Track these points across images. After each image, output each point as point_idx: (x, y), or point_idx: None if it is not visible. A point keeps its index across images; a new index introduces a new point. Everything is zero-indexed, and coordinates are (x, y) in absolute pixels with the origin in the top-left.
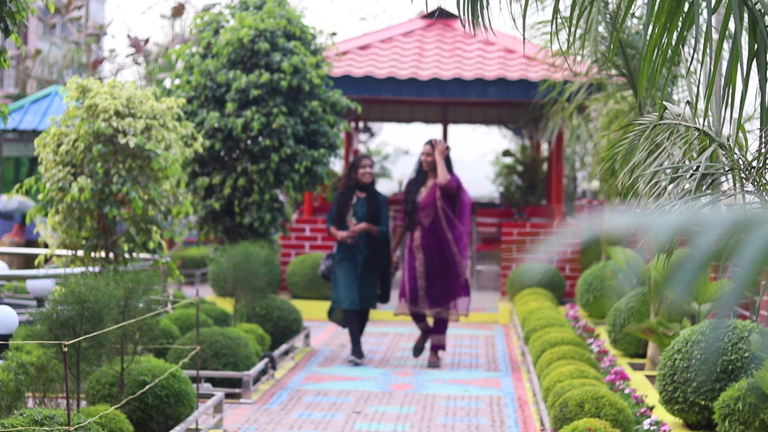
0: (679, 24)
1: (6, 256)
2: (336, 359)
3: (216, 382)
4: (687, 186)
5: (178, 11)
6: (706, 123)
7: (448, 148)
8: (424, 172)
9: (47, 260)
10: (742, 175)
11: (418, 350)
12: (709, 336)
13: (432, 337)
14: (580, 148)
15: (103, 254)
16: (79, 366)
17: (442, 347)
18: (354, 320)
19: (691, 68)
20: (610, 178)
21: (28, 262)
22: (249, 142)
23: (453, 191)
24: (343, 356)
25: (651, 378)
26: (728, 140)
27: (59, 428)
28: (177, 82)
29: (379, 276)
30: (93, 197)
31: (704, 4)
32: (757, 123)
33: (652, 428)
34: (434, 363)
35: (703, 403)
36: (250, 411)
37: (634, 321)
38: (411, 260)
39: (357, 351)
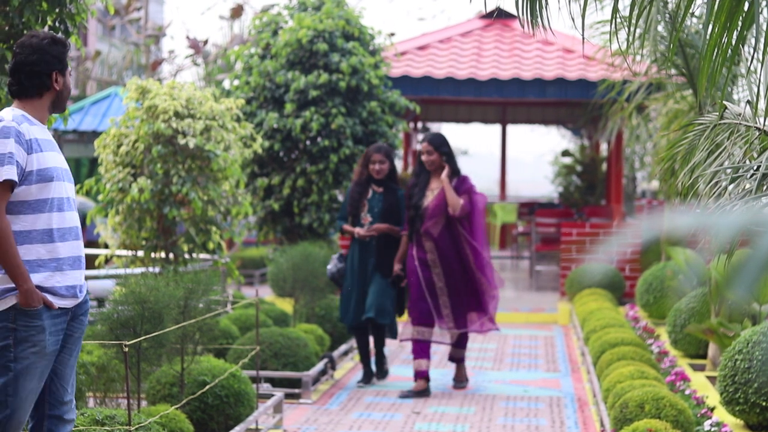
0: (739, 23)
1: None
2: (395, 359)
3: (275, 383)
4: (747, 186)
5: (236, 12)
6: (766, 122)
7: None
8: (426, 172)
9: (107, 261)
10: None
11: (409, 395)
12: None
13: (453, 351)
14: (639, 148)
15: (163, 255)
16: (140, 366)
17: (462, 359)
18: (361, 336)
19: (752, 67)
20: (669, 178)
21: (88, 262)
22: (308, 142)
23: (468, 212)
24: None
25: (712, 379)
26: None
27: (120, 428)
28: (236, 83)
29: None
30: (153, 198)
31: (764, 3)
32: None
33: (713, 429)
34: (461, 382)
35: (764, 404)
36: (310, 411)
37: (694, 322)
38: (426, 274)
39: (367, 373)
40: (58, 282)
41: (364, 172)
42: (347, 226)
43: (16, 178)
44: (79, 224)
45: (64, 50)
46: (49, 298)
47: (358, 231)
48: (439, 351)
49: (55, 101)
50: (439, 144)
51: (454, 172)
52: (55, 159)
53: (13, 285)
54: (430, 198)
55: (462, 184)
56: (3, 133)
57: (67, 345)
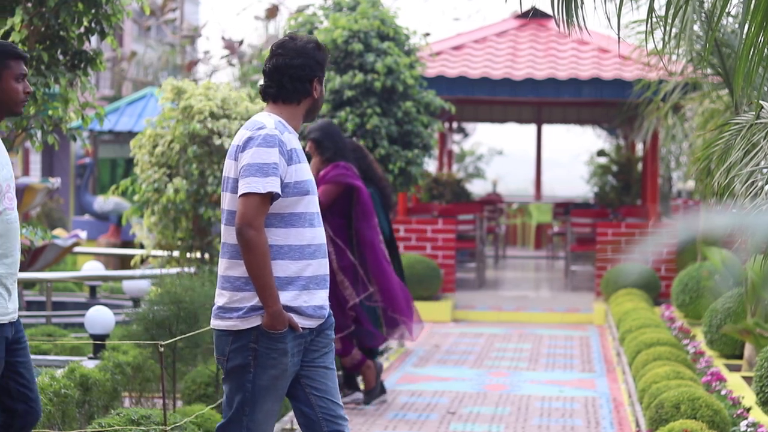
0: None
1: (102, 256)
2: (430, 360)
3: None
4: None
5: (272, 13)
6: None
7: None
8: None
9: (143, 261)
10: None
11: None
12: None
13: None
14: (675, 148)
15: (198, 255)
16: (175, 366)
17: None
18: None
19: None
20: (705, 178)
21: (124, 262)
22: None
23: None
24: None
25: (748, 379)
26: None
27: (155, 428)
28: None
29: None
30: (188, 198)
31: None
32: None
33: (748, 430)
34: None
35: None
36: (345, 411)
37: (730, 322)
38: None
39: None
40: (305, 302)
41: None
42: None
43: (279, 191)
44: (325, 241)
45: (326, 57)
46: (295, 318)
47: None
48: (474, 351)
49: (310, 109)
50: (309, 131)
51: (326, 159)
52: (309, 171)
53: (256, 303)
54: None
55: (327, 174)
56: (267, 142)
57: (320, 360)
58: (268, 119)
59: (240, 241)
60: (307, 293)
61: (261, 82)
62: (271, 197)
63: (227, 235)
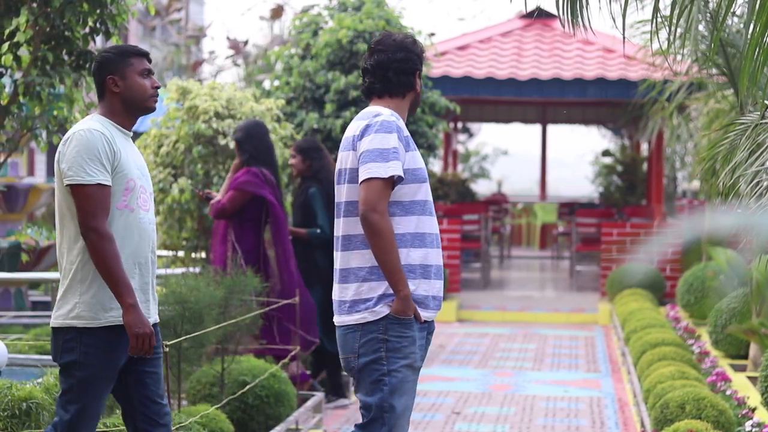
0: None
1: None
2: (435, 360)
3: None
4: None
5: (276, 13)
6: None
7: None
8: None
9: None
10: None
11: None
12: None
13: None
14: (680, 148)
15: (203, 255)
16: (180, 366)
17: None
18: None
19: None
20: (710, 177)
21: None
22: None
23: (216, 213)
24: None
25: (753, 379)
26: None
27: None
28: (276, 83)
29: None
30: (193, 198)
31: None
32: None
33: (753, 430)
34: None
35: None
36: (350, 411)
37: (735, 322)
38: None
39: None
40: (425, 291)
41: None
42: None
43: (402, 174)
44: (439, 232)
45: (423, 51)
46: (418, 308)
47: None
48: (479, 351)
49: (414, 102)
50: (235, 130)
51: (242, 162)
52: (422, 160)
53: (383, 293)
54: None
55: (236, 179)
56: (386, 127)
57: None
58: (382, 108)
59: (365, 226)
60: (427, 282)
61: (266, 81)
62: (393, 182)
63: (346, 227)
